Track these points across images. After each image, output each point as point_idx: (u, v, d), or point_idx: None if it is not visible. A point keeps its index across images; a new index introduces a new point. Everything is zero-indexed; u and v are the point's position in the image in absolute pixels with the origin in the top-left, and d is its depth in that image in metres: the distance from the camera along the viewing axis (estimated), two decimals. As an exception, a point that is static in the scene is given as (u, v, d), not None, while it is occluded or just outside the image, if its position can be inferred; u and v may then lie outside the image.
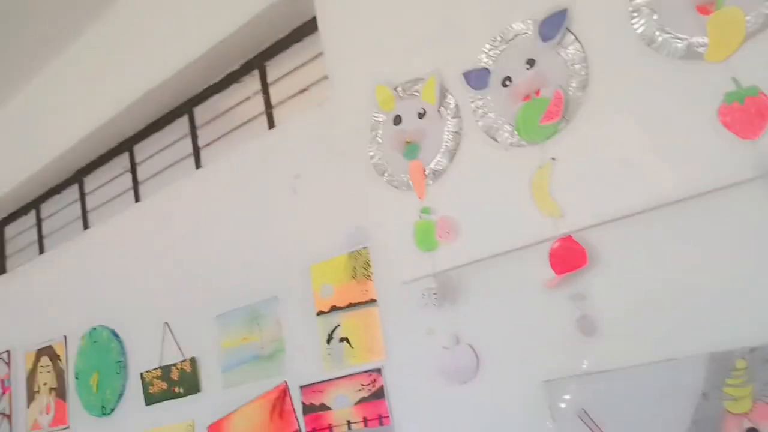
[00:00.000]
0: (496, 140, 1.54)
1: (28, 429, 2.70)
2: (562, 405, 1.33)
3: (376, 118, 1.77)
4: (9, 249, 3.33)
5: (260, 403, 1.94)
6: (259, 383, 1.96)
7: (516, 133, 1.50)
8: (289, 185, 1.99)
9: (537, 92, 1.48)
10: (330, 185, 1.89)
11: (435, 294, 1.61)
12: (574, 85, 1.43)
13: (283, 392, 1.90)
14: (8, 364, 2.84)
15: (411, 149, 1.69)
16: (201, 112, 2.49)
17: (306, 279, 1.89)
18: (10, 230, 3.35)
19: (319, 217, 1.90)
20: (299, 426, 1.84)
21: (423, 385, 1.61)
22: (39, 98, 2.91)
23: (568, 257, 1.36)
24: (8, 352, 2.85)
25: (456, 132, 1.62)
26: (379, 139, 1.76)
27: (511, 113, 1.51)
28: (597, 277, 1.35)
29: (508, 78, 1.53)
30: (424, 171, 1.65)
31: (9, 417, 2.80)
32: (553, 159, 1.43)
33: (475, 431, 1.52)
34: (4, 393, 2.83)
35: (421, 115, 1.69)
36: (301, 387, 1.84)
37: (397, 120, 1.73)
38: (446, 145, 1.63)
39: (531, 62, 1.50)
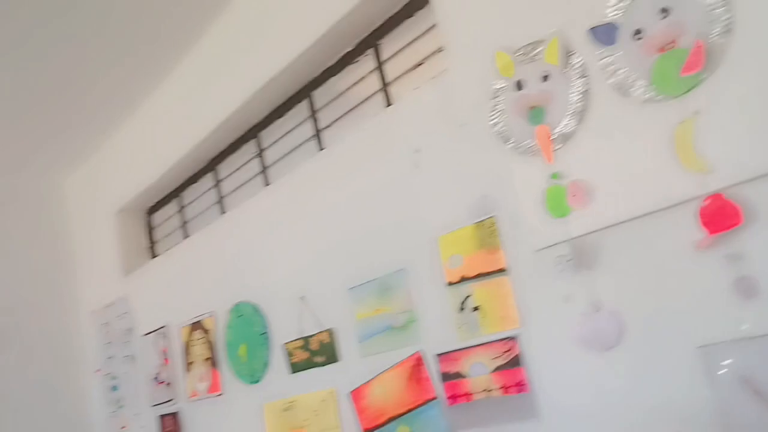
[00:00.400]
0: (629, 97, 1.47)
1: (188, 396, 2.99)
2: (722, 372, 1.27)
3: (496, 86, 1.75)
4: (157, 235, 3.66)
5: (397, 371, 2.02)
6: (394, 352, 2.04)
7: (652, 87, 1.43)
8: (411, 159, 2.02)
9: (673, 42, 1.39)
10: (452, 157, 1.90)
11: (570, 260, 1.58)
12: (716, 31, 1.33)
13: (419, 361, 1.96)
14: (166, 338, 3.15)
15: (536, 114, 1.66)
16: (320, 95, 2.57)
17: (433, 250, 1.92)
18: (157, 218, 3.68)
19: (443, 189, 1.92)
20: (437, 393, 1.90)
21: (562, 353, 1.60)
22: (173, 96, 3.14)
23: (720, 216, 1.28)
24: (165, 327, 3.16)
25: (584, 92, 1.56)
26: (501, 107, 1.74)
27: (645, 68, 1.44)
28: (755, 235, 1.26)
29: (639, 30, 1.45)
30: (551, 135, 1.61)
31: (170, 385, 3.11)
32: (697, 112, 1.35)
33: (621, 399, 1.49)
34: (165, 364, 3.15)
35: (544, 78, 1.64)
36: (438, 355, 1.89)
37: (519, 85, 1.70)
38: (574, 107, 1.58)
39: (665, 11, 1.41)
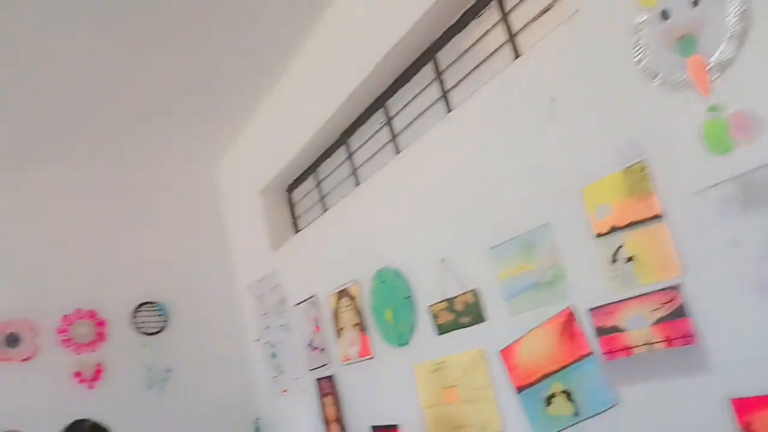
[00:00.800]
0: (800, 10, 1.30)
1: (341, 360, 3.16)
2: None
3: (637, 19, 1.62)
4: (299, 210, 3.86)
5: (547, 327, 1.98)
6: (543, 309, 2.00)
7: (829, -5, 1.25)
8: (546, 110, 1.94)
9: None
10: (591, 102, 1.80)
11: (737, 200, 1.44)
12: None
13: (570, 316, 1.91)
14: (316, 306, 3.34)
15: (686, 43, 1.51)
16: (444, 55, 2.54)
17: (577, 202, 1.85)
18: (296, 194, 3.88)
19: (584, 137, 1.83)
20: (592, 348, 1.84)
21: (733, 301, 1.48)
22: (301, 76, 3.27)
23: None
24: (314, 296, 3.34)
25: (743, 12, 1.40)
26: (645, 41, 1.61)
27: (820, -28, 1.26)
28: None
29: (811, -70, 1.27)
30: (707, 65, 1.47)
31: (324, 350, 3.30)
32: None
33: (809, 346, 1.35)
34: (317, 331, 3.35)
35: (694, 3, 1.49)
36: (591, 310, 1.83)
37: (665, 15, 1.56)
38: (732, 30, 1.42)
39: None
